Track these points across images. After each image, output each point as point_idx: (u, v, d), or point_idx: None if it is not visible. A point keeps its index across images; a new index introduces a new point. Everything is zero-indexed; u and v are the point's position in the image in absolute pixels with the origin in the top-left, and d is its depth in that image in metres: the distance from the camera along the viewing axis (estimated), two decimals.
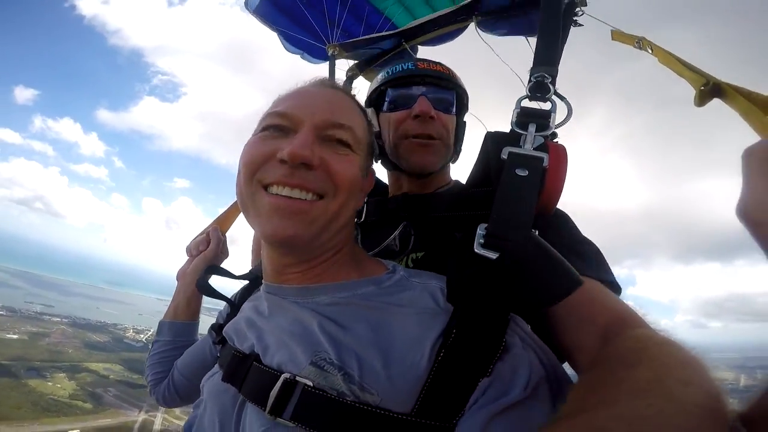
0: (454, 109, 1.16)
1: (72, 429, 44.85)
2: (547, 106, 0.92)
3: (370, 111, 1.12)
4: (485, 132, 1.03)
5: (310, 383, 0.57)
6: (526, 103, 0.94)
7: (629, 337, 0.59)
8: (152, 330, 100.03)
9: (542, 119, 0.88)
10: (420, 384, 0.54)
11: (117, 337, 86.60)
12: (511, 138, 0.85)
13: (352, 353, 0.58)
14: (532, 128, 0.86)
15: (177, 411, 57.26)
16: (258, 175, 0.67)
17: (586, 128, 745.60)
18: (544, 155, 0.76)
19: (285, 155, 0.63)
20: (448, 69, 1.19)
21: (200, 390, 0.79)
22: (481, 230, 0.67)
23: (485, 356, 0.55)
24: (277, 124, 0.70)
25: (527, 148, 0.82)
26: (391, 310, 0.63)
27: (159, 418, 51.91)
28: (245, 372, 0.67)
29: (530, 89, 0.96)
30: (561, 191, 0.76)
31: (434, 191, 1.16)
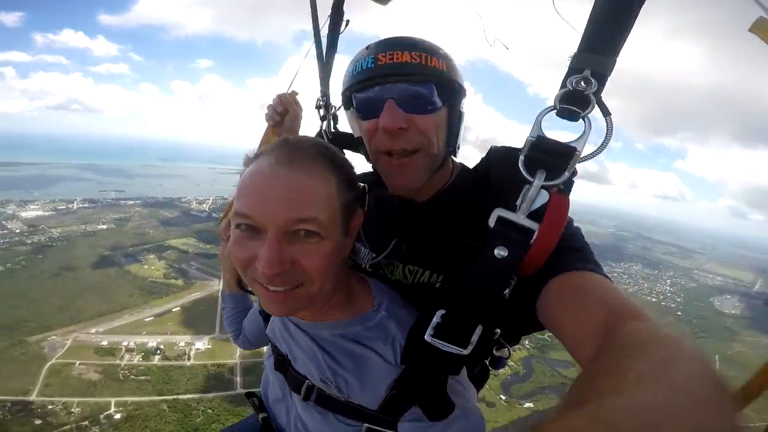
0: (438, 103, 1.01)
1: (174, 307, 52.32)
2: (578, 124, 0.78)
3: (349, 113, 1.13)
4: (491, 147, 1.04)
5: (321, 389, 1.03)
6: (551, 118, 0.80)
7: (633, 328, 0.61)
8: (212, 199, 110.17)
9: (559, 161, 0.77)
10: (380, 401, 0.93)
11: (184, 211, 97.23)
12: (514, 168, 0.80)
13: (342, 379, 0.97)
14: (540, 177, 0.77)
15: None
16: (249, 273, 0.83)
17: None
18: (535, 228, 0.76)
19: (260, 278, 0.80)
20: (421, 53, 0.97)
21: (266, 357, 1.30)
22: (437, 318, 0.82)
23: (415, 399, 0.90)
24: (247, 224, 0.78)
25: (522, 214, 0.78)
26: (368, 353, 0.95)
27: None
28: (286, 370, 1.13)
29: (562, 99, 0.79)
30: (542, 261, 0.79)
31: (433, 195, 1.15)
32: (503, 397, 40.04)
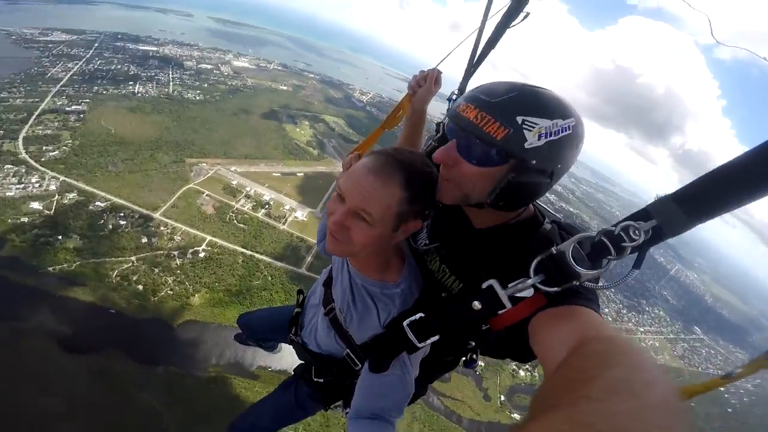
0: (489, 161, 1.10)
1: (299, 172, 54.87)
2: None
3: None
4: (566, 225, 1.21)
5: (336, 313, 1.48)
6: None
7: (601, 341, 0.71)
8: (373, 93, 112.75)
9: (560, 277, 0.91)
10: (362, 341, 1.38)
11: (347, 96, 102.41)
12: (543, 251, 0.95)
13: (350, 314, 1.42)
14: (537, 279, 0.93)
15: None
16: (328, 219, 1.21)
17: None
18: (506, 308, 0.97)
19: (329, 225, 1.20)
20: (486, 115, 1.05)
21: (323, 272, 1.74)
22: (416, 317, 1.18)
23: (374, 351, 1.33)
24: (339, 194, 1.20)
25: (507, 294, 0.97)
26: (373, 308, 1.36)
27: None
28: (329, 288, 1.58)
29: (604, 237, 0.88)
30: (501, 329, 1.06)
31: (488, 227, 1.30)
32: (502, 398, 35.43)
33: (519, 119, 1.01)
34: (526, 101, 1.03)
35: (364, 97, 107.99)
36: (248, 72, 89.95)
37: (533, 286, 0.95)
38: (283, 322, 1.94)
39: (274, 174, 53.17)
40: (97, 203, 35.88)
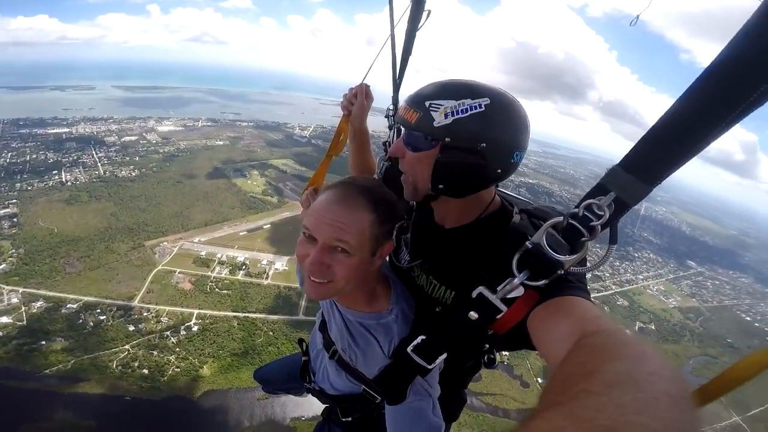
0: (417, 147, 1.23)
1: (265, 224, 53.71)
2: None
3: None
4: (523, 211, 1.26)
5: (341, 354, 1.45)
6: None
7: (600, 335, 0.70)
8: (313, 126, 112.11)
9: (543, 270, 0.92)
10: (373, 375, 1.34)
11: (288, 135, 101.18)
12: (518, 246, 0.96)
13: (353, 352, 1.38)
14: (523, 276, 0.95)
15: None
16: (302, 265, 1.19)
17: None
18: (503, 311, 0.98)
19: (306, 270, 1.17)
20: (414, 110, 1.20)
21: (317, 316, 1.67)
22: (418, 340, 1.17)
23: (388, 383, 1.30)
24: (307, 235, 1.18)
25: (498, 297, 0.98)
26: (373, 341, 1.32)
27: None
28: (324, 331, 1.55)
29: (570, 219, 0.90)
30: (506, 330, 1.04)
31: (460, 225, 1.35)
32: (539, 381, 35.78)
33: (427, 103, 1.16)
34: (436, 89, 1.18)
35: (305, 132, 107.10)
36: (177, 135, 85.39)
37: (522, 284, 0.95)
38: (295, 370, 1.88)
39: (240, 234, 51.16)
40: (69, 305, 34.47)
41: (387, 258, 1.43)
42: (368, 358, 1.34)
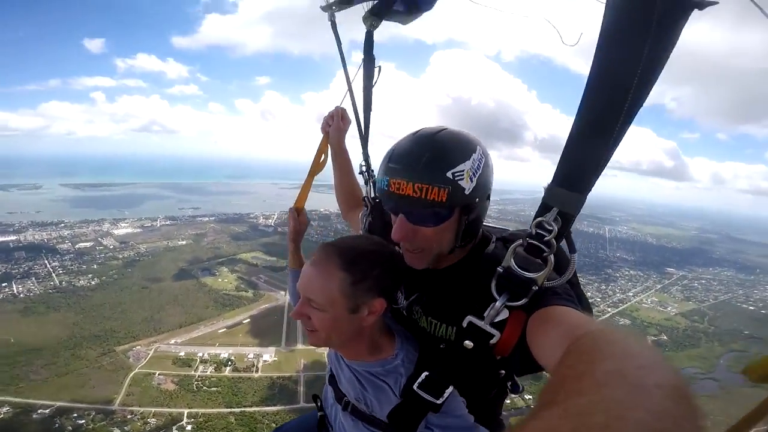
0: (442, 218, 1.24)
1: (244, 319, 53.19)
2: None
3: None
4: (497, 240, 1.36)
5: (354, 404, 1.45)
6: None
7: (589, 336, 0.72)
8: (276, 213, 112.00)
9: (520, 289, 1.02)
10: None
11: (252, 225, 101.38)
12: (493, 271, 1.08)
13: (368, 399, 1.39)
14: (503, 299, 1.04)
15: None
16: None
17: None
18: (495, 335, 1.05)
19: (293, 316, 1.33)
20: (422, 185, 1.18)
21: (327, 370, 1.70)
22: (422, 377, 1.21)
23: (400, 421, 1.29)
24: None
25: (487, 323, 1.05)
26: (384, 386, 1.35)
27: None
28: (334, 384, 1.57)
29: (529, 239, 1.01)
30: (507, 353, 1.09)
31: (451, 264, 1.42)
32: None
33: (449, 174, 1.16)
34: (444, 155, 1.18)
35: (269, 220, 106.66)
36: (136, 237, 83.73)
37: (505, 306, 1.04)
38: (313, 427, 1.86)
39: (219, 331, 50.28)
40: (41, 410, 32.92)
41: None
42: (382, 402, 1.36)
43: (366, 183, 2.04)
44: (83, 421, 32.26)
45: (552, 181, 0.98)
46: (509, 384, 1.55)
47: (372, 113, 2.03)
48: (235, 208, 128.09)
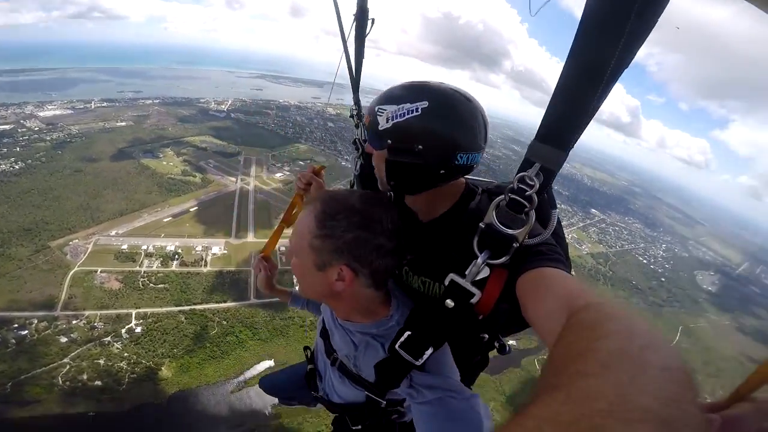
0: (375, 146, 1.37)
1: (191, 207, 50.01)
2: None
3: None
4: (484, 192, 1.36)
5: (343, 362, 1.48)
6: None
7: (589, 310, 0.70)
8: (231, 100, 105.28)
9: (501, 247, 1.00)
10: (373, 377, 1.33)
11: (202, 110, 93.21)
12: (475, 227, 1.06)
13: (358, 359, 1.40)
14: (484, 256, 1.02)
15: (265, 177, 62.70)
16: None
17: None
18: (476, 293, 1.04)
19: None
20: (368, 114, 1.34)
21: (318, 323, 1.76)
22: (404, 337, 1.19)
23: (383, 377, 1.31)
24: None
25: (468, 281, 1.04)
26: (377, 345, 1.33)
27: (252, 184, 57.27)
28: (326, 339, 1.60)
29: (511, 194, 1.00)
30: (488, 312, 1.07)
31: (435, 217, 1.44)
32: None
33: (375, 108, 1.29)
34: (385, 94, 1.30)
35: (222, 105, 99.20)
36: (66, 119, 73.64)
37: (486, 264, 1.02)
38: (303, 378, 1.90)
39: (164, 220, 46.78)
40: None
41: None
42: (371, 361, 1.33)
43: (356, 126, 2.19)
44: (26, 332, 29.51)
45: (536, 137, 0.97)
46: (496, 344, 1.55)
47: (364, 60, 2.21)
48: (182, 92, 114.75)
